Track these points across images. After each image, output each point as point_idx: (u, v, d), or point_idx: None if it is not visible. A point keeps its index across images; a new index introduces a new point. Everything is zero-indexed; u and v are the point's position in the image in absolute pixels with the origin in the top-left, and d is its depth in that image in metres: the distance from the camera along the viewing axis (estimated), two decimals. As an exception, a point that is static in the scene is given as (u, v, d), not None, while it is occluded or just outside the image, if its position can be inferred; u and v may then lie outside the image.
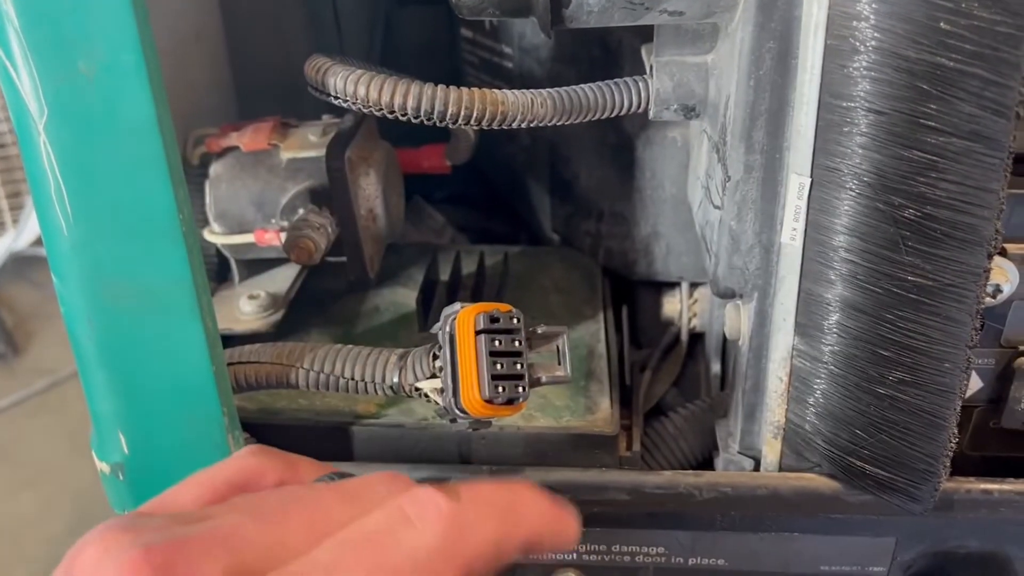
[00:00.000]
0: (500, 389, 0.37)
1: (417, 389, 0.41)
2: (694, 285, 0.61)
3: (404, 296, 0.60)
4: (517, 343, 0.37)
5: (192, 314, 0.41)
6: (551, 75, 0.59)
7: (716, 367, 0.58)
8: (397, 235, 0.59)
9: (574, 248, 0.65)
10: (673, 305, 0.62)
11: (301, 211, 0.52)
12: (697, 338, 0.63)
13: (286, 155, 0.53)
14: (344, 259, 0.56)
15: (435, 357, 0.40)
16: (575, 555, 0.48)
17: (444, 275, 0.62)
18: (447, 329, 0.38)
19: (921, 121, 0.36)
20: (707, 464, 0.54)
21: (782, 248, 0.42)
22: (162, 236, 0.40)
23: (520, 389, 0.37)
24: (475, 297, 0.60)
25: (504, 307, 0.38)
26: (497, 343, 0.37)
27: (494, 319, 0.37)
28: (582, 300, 0.60)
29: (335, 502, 0.29)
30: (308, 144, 0.53)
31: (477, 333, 0.37)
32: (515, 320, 0.37)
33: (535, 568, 0.49)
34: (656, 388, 0.60)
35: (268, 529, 0.27)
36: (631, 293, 0.64)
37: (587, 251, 0.63)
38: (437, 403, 0.40)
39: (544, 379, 0.39)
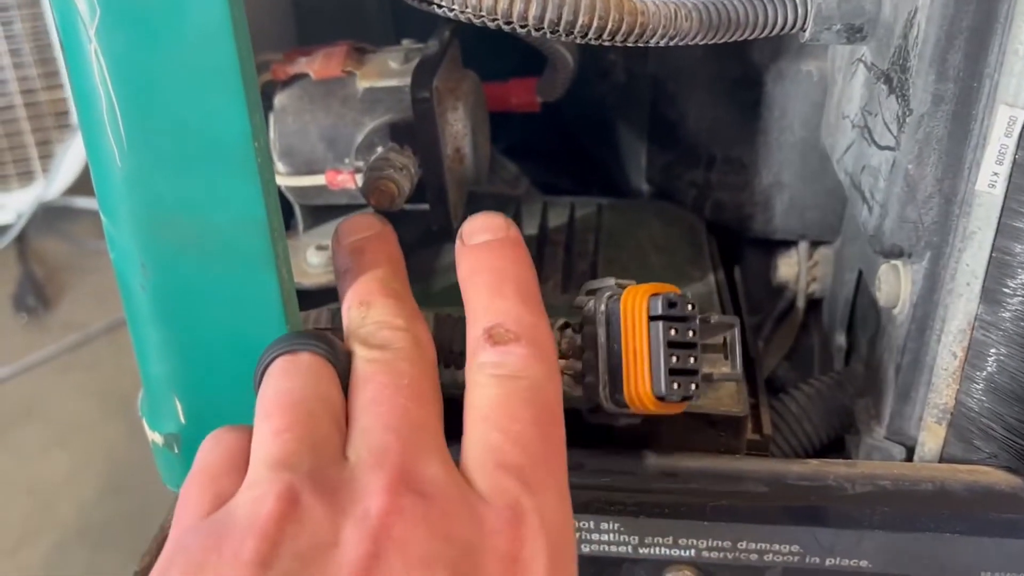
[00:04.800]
0: (676, 386, 0.31)
1: None
2: (814, 244, 0.54)
3: (485, 251, 0.53)
4: (692, 333, 0.32)
5: (266, 261, 0.35)
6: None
7: (841, 339, 0.51)
8: (480, 181, 0.52)
9: (673, 201, 0.58)
10: (789, 267, 0.55)
11: (379, 149, 0.45)
12: (813, 305, 0.56)
13: (363, 84, 0.46)
14: (420, 206, 0.49)
15: (564, 329, 0.34)
16: (693, 552, 0.42)
17: (530, 228, 0.55)
18: (603, 307, 0.32)
19: None
20: (834, 449, 0.48)
21: (976, 197, 0.35)
22: (234, 167, 0.33)
23: (694, 386, 0.32)
24: (567, 254, 0.53)
25: (675, 289, 0.33)
26: (674, 332, 0.32)
27: (671, 303, 0.32)
28: (686, 260, 0.53)
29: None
30: (388, 72, 0.46)
31: (652, 319, 0.32)
32: (691, 307, 0.32)
33: (645, 564, 0.42)
34: (767, 361, 0.54)
35: None
36: (736, 252, 0.57)
37: (690, 204, 0.56)
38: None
39: (715, 376, 0.34)
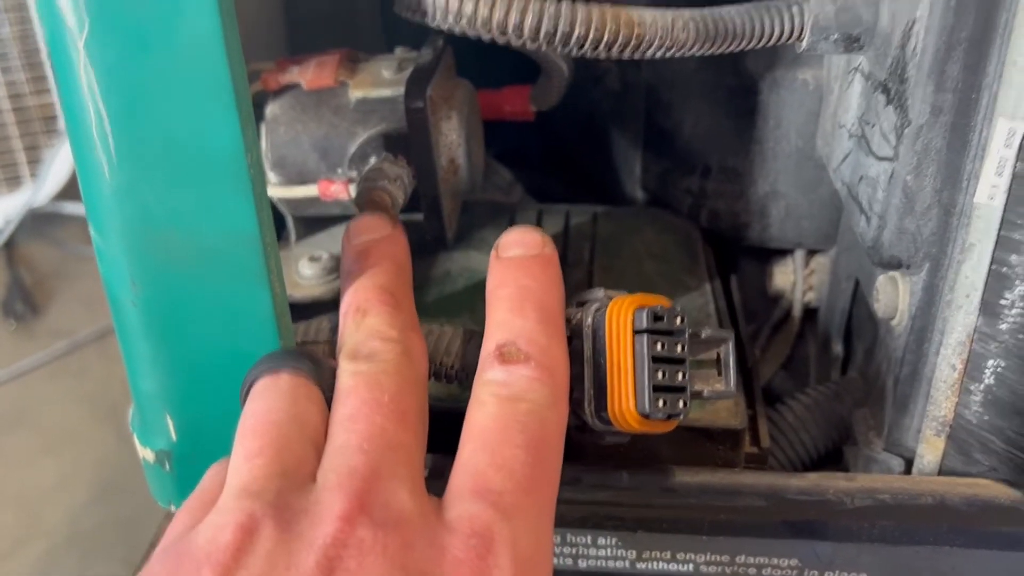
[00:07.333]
0: (661, 403, 0.30)
1: None
2: (810, 253, 0.54)
3: (479, 261, 0.53)
4: (680, 348, 0.31)
5: (259, 277, 0.34)
6: None
7: (837, 348, 0.51)
8: (474, 190, 0.51)
9: (668, 209, 0.57)
10: (785, 276, 0.54)
11: (373, 160, 0.45)
12: (809, 314, 0.56)
13: (356, 94, 0.46)
14: (413, 216, 0.48)
15: None
16: (691, 566, 0.41)
17: (524, 237, 0.55)
18: (589, 320, 0.31)
19: None
20: (832, 460, 0.47)
21: (975, 209, 0.34)
22: (226, 181, 0.32)
23: (681, 404, 0.31)
24: (563, 263, 0.52)
25: (664, 301, 0.31)
26: (660, 347, 0.30)
27: (657, 317, 0.30)
28: (682, 268, 0.53)
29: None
30: (381, 81, 0.46)
31: (636, 333, 0.30)
32: (679, 320, 0.31)
33: (642, 578, 0.42)
34: (763, 370, 0.53)
35: None
36: (733, 261, 0.56)
37: (685, 212, 0.56)
38: None
39: (706, 392, 0.33)
